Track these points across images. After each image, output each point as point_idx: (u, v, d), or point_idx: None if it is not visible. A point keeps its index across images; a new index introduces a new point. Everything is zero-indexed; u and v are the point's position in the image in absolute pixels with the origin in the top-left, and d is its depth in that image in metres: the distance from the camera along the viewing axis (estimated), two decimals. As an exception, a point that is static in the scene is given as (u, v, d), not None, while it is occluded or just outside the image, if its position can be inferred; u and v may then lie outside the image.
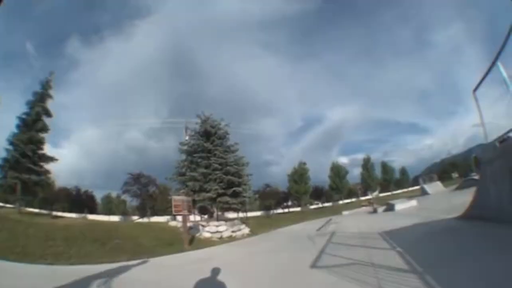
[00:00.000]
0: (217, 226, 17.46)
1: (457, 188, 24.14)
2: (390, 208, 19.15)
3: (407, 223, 10.04)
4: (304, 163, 61.61)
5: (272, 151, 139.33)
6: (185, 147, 23.07)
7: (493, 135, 6.98)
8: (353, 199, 62.65)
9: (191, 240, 14.45)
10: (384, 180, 73.72)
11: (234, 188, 21.03)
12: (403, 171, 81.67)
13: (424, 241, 6.88)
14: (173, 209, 14.94)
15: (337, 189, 64.46)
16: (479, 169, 7.52)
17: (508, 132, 6.26)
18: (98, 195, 60.17)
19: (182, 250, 11.50)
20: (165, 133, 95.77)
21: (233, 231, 17.66)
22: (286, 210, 56.53)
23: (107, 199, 61.87)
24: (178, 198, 15.63)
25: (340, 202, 60.97)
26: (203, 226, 17.73)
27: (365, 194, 64.11)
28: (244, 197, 21.89)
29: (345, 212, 30.29)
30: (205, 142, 22.60)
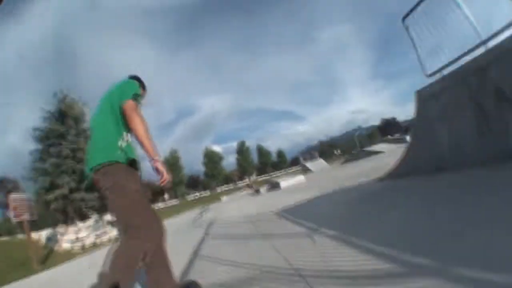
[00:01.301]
0: (77, 232, 12.69)
1: (345, 162, 24.11)
2: (274, 186, 17.36)
3: (306, 196, 7.53)
4: (175, 151, 59.15)
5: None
6: (37, 133, 17.62)
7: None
8: (231, 186, 61.95)
9: (47, 255, 10.56)
10: (261, 163, 75.64)
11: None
12: (280, 153, 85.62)
13: (354, 213, 4.22)
14: (12, 212, 9.98)
15: (213, 176, 63.06)
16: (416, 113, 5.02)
17: (463, 55, 4.31)
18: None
19: (32, 272, 8.30)
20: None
21: (97, 236, 13.17)
22: (164, 204, 51.90)
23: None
24: (17, 197, 10.43)
25: (218, 190, 59.34)
26: (61, 234, 12.74)
27: (242, 179, 64.30)
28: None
29: (224, 198, 27.99)
30: (59, 126, 17.60)
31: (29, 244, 9.36)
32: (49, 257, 10.51)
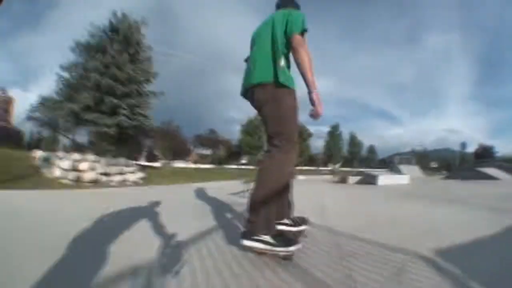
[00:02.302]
0: (76, 161, 8.96)
1: (448, 178, 18.59)
2: (369, 180, 12.34)
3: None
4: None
5: (240, 109, 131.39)
6: (81, 47, 15.19)
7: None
8: (312, 168, 57.30)
9: (23, 176, 8.13)
10: (350, 153, 68.93)
11: (109, 99, 13.25)
12: (371, 149, 77.72)
13: None
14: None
15: (297, 152, 58.95)
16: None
17: None
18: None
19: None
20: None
21: (104, 174, 9.52)
22: (240, 166, 49.53)
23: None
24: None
25: (298, 167, 55.10)
26: (59, 158, 9.47)
27: (326, 165, 59.18)
28: (124, 115, 13.87)
29: (300, 177, 23.64)
30: (104, 41, 15.11)
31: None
32: (25, 178, 7.80)
